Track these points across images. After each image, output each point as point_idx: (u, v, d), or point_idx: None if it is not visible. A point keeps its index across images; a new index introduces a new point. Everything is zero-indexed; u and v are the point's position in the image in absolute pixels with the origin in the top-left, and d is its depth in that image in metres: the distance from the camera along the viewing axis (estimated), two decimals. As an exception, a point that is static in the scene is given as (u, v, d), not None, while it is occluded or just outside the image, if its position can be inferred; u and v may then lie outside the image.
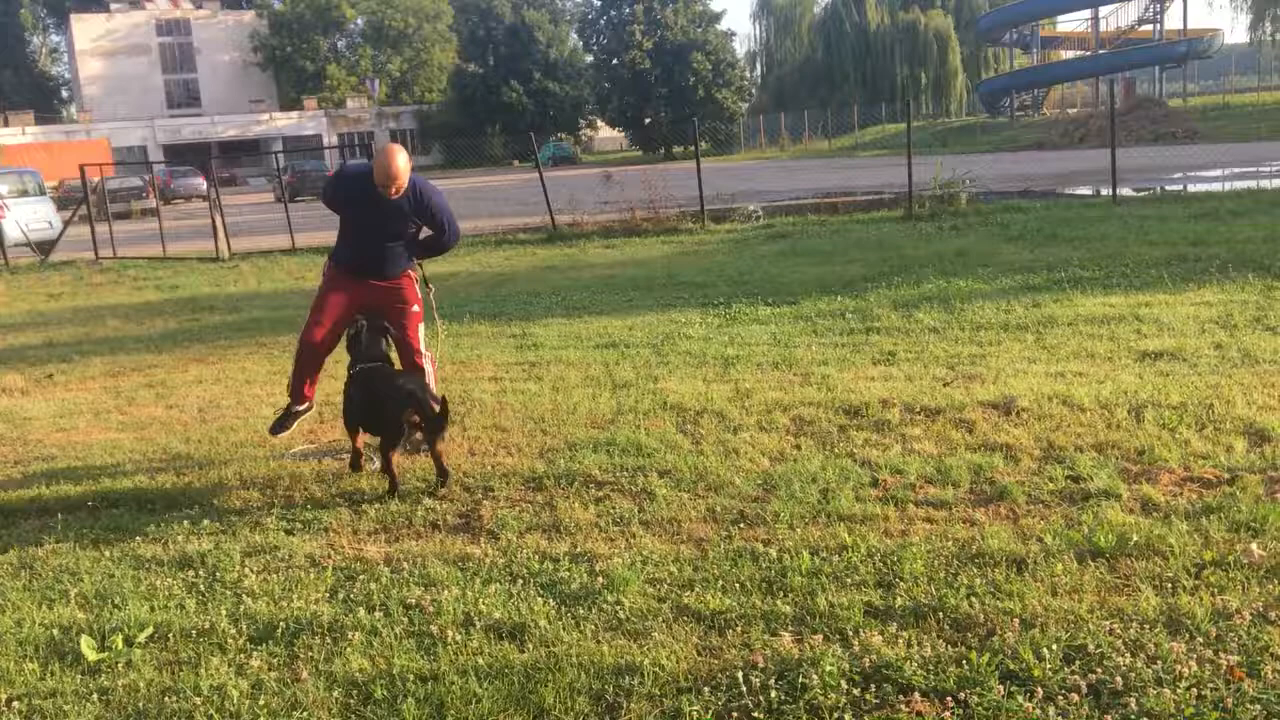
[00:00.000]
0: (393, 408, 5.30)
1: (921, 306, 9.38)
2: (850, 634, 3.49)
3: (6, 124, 68.28)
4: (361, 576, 4.26)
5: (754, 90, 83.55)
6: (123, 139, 71.57)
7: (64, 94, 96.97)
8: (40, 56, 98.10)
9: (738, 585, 3.94)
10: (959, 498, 4.73)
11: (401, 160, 5.50)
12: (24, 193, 23.83)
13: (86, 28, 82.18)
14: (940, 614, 3.59)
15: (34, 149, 59.17)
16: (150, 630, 3.84)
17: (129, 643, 3.76)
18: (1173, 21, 63.81)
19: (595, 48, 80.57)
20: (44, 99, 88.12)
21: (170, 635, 3.82)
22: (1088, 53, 65.99)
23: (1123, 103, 47.75)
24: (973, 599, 3.68)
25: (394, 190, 5.52)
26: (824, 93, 71.27)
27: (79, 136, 69.77)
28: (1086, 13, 65.18)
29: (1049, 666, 3.19)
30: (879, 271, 11.69)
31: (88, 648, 3.72)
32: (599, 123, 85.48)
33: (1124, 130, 35.72)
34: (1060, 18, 69.32)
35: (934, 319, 8.81)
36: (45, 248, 22.09)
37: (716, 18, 77.42)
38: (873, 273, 11.65)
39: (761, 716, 3.06)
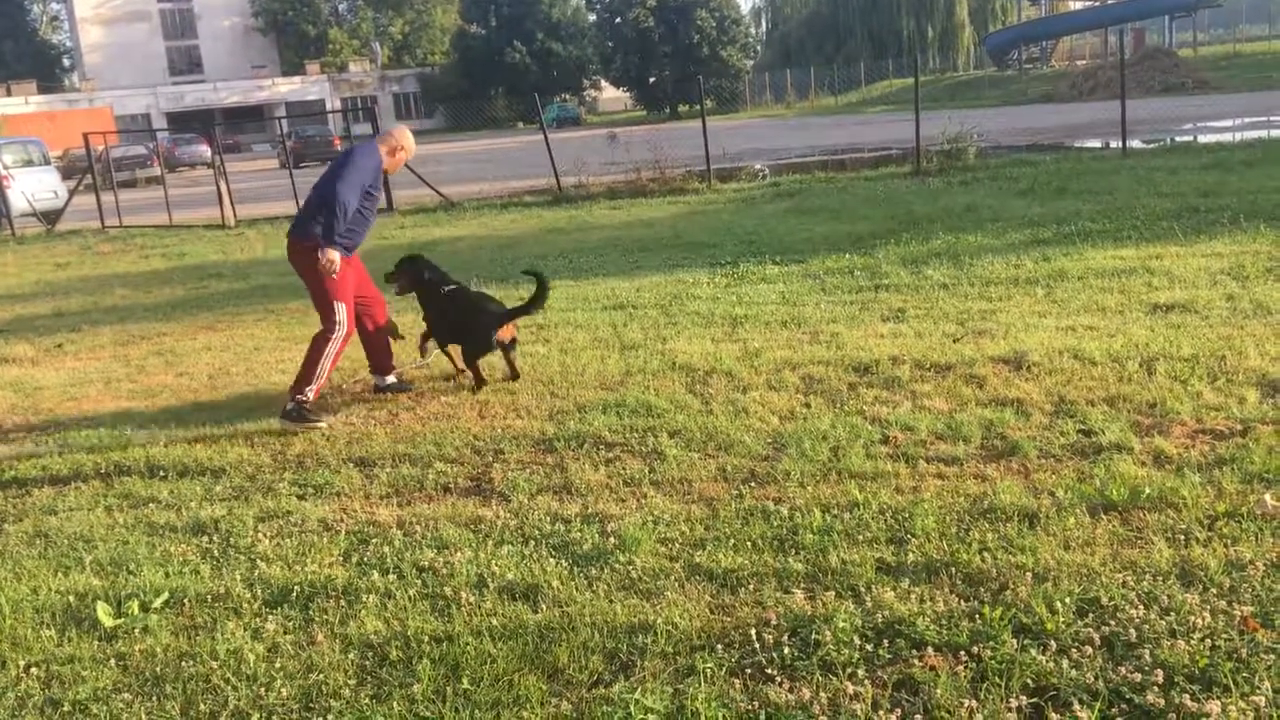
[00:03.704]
0: (487, 321, 6.34)
1: (930, 263, 9.34)
2: (862, 590, 3.50)
3: (9, 94, 68.04)
4: (374, 540, 4.28)
5: (759, 47, 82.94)
6: (126, 107, 71.36)
7: (66, 62, 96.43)
8: (41, 25, 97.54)
9: (749, 544, 3.95)
10: (970, 453, 4.72)
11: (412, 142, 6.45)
12: (29, 162, 23.79)
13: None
14: (952, 569, 3.59)
15: (37, 118, 59.02)
16: (166, 596, 3.86)
17: (145, 608, 3.78)
18: (1183, -30, 62.89)
19: (598, 6, 79.96)
20: (46, 68, 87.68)
21: (186, 600, 3.84)
22: (1096, 3, 65.22)
23: (1132, 54, 47.27)
24: (985, 554, 3.68)
25: (400, 164, 6.39)
26: (830, 48, 70.65)
27: (82, 105, 69.57)
28: (1095, -37, 64.39)
29: (1062, 620, 3.20)
30: (887, 228, 11.63)
31: (104, 614, 3.74)
32: (603, 83, 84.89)
33: (1134, 81, 35.39)
34: (1068, -32, 68.50)
35: (943, 275, 8.77)
36: (51, 217, 22.11)
37: (720, -26, 76.64)
38: (881, 230, 11.58)
39: (775, 673, 3.07)
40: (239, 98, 77.85)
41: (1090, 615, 3.24)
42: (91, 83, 76.04)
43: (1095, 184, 14.03)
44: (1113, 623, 3.18)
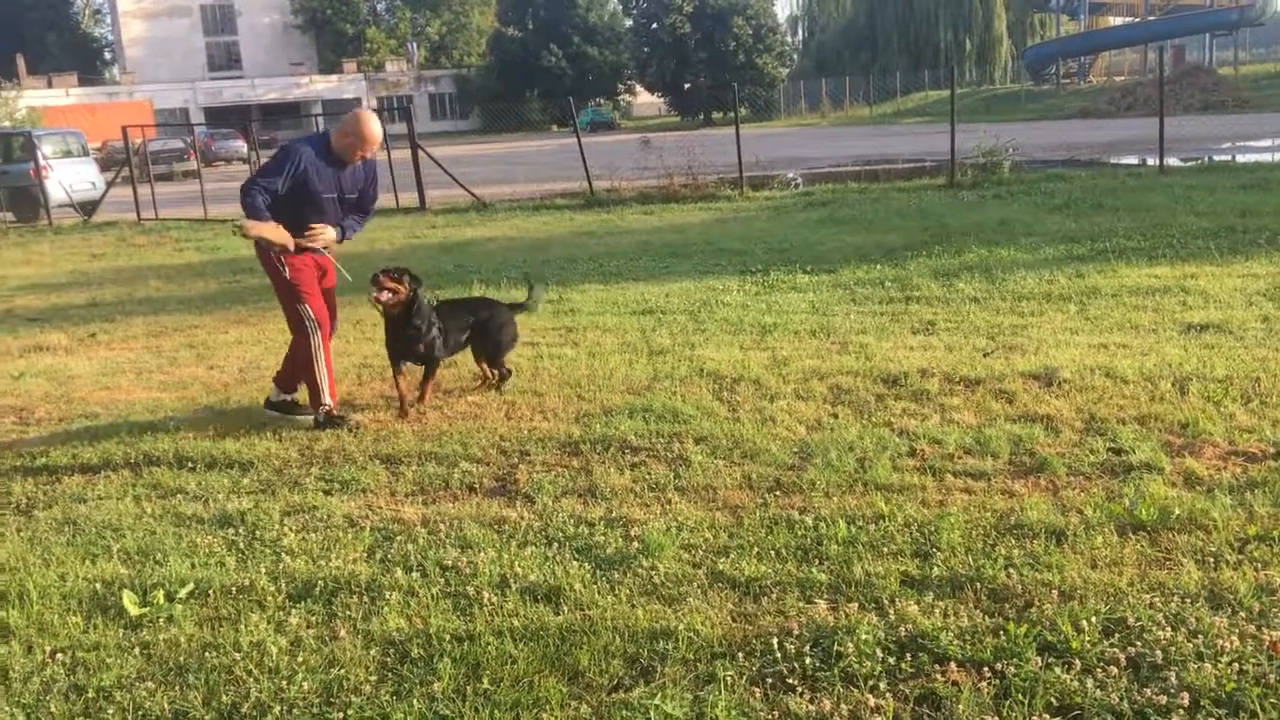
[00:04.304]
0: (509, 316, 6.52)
1: (962, 276, 9.29)
2: (886, 603, 3.48)
3: (50, 85, 68.78)
4: (399, 537, 4.29)
5: (795, 56, 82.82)
6: (164, 101, 72.00)
7: (107, 56, 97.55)
8: (84, 18, 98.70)
9: (773, 552, 3.93)
10: (998, 469, 4.69)
11: (380, 128, 5.87)
12: (68, 154, 24.06)
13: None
14: (978, 584, 3.57)
15: (77, 110, 59.64)
16: (191, 586, 3.89)
17: (170, 598, 3.80)
18: (1225, -13, 62.40)
19: (635, 11, 80.00)
20: (87, 61, 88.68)
21: (211, 592, 3.87)
22: (1137, 19, 64.73)
23: (1171, 70, 46.88)
24: (1011, 570, 3.65)
25: (364, 155, 5.87)
26: (866, 58, 70.42)
27: (121, 98, 70.24)
28: (1136, -22, 63.92)
29: (1088, 639, 3.16)
30: (919, 240, 11.58)
31: (130, 602, 3.77)
32: (638, 88, 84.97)
33: (1172, 99, 35.06)
34: (1109, -17, 68.04)
35: (975, 289, 8.72)
36: (88, 208, 22.36)
37: (758, -19, 76.60)
38: (913, 241, 11.54)
39: (796, 683, 3.06)
40: (276, 94, 78.42)
41: (1116, 635, 3.21)
42: (131, 76, 76.82)
43: (1131, 201, 13.92)
44: (1139, 643, 3.15)
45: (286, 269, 5.84)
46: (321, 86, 79.54)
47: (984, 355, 6.60)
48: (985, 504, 4.28)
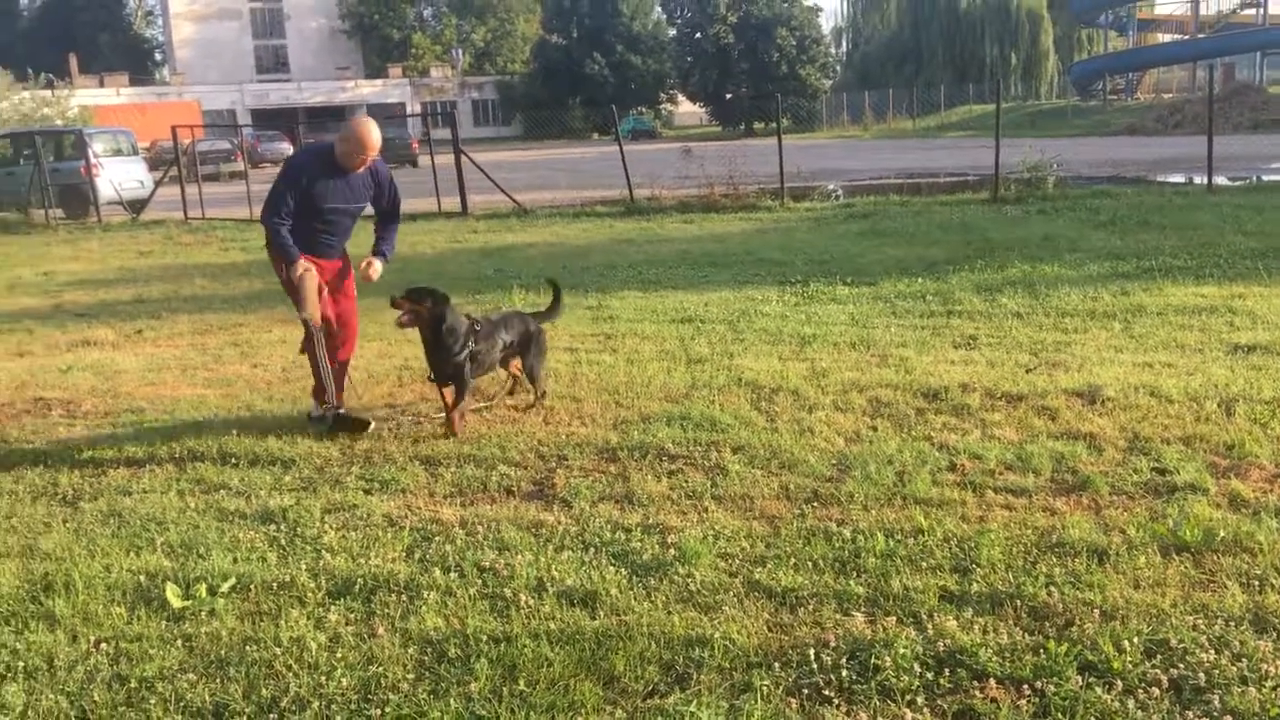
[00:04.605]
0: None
1: (1005, 291, 9.22)
2: (924, 617, 3.46)
3: (102, 85, 69.87)
4: (437, 538, 4.32)
5: (838, 67, 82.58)
6: (213, 102, 72.92)
7: (157, 57, 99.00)
8: (136, 19, 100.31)
9: (810, 564, 3.92)
10: (1039, 486, 4.65)
11: (378, 134, 5.77)
12: (118, 152, 24.43)
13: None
14: (1018, 602, 3.54)
15: (128, 110, 60.48)
16: (233, 581, 3.94)
17: (212, 592, 3.85)
18: (1277, 6, 61.67)
19: (679, 21, 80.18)
20: (138, 61, 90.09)
21: (252, 586, 3.91)
22: (1186, 36, 64.01)
23: (1221, 89, 46.29)
24: (1051, 588, 3.62)
25: (362, 162, 5.76)
26: (910, 71, 70.11)
27: (171, 98, 71.22)
28: (1186, -5, 63.22)
29: (1129, 659, 3.13)
30: (962, 254, 11.51)
31: (173, 595, 3.82)
32: (679, 97, 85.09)
33: (1221, 117, 34.65)
34: (1158, 0, 67.36)
35: (1018, 304, 8.65)
36: (137, 206, 22.69)
37: (803, -7, 76.58)
38: (955, 255, 11.47)
39: (832, 695, 3.05)
40: (322, 98, 79.22)
41: (1159, 657, 3.17)
42: (181, 77, 77.90)
43: (1178, 219, 13.76)
44: (1181, 665, 3.11)
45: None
46: (367, 91, 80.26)
47: (1026, 371, 6.55)
48: (1026, 521, 4.24)
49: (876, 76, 72.18)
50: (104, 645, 3.53)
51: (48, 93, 46.42)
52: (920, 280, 10.00)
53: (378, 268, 6.02)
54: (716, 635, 3.38)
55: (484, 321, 6.05)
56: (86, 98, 56.30)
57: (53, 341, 9.06)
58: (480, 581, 3.89)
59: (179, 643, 3.53)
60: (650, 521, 4.42)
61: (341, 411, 6.03)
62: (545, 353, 6.41)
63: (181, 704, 3.16)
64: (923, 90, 62.75)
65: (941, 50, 70.99)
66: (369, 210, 6.22)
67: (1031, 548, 3.98)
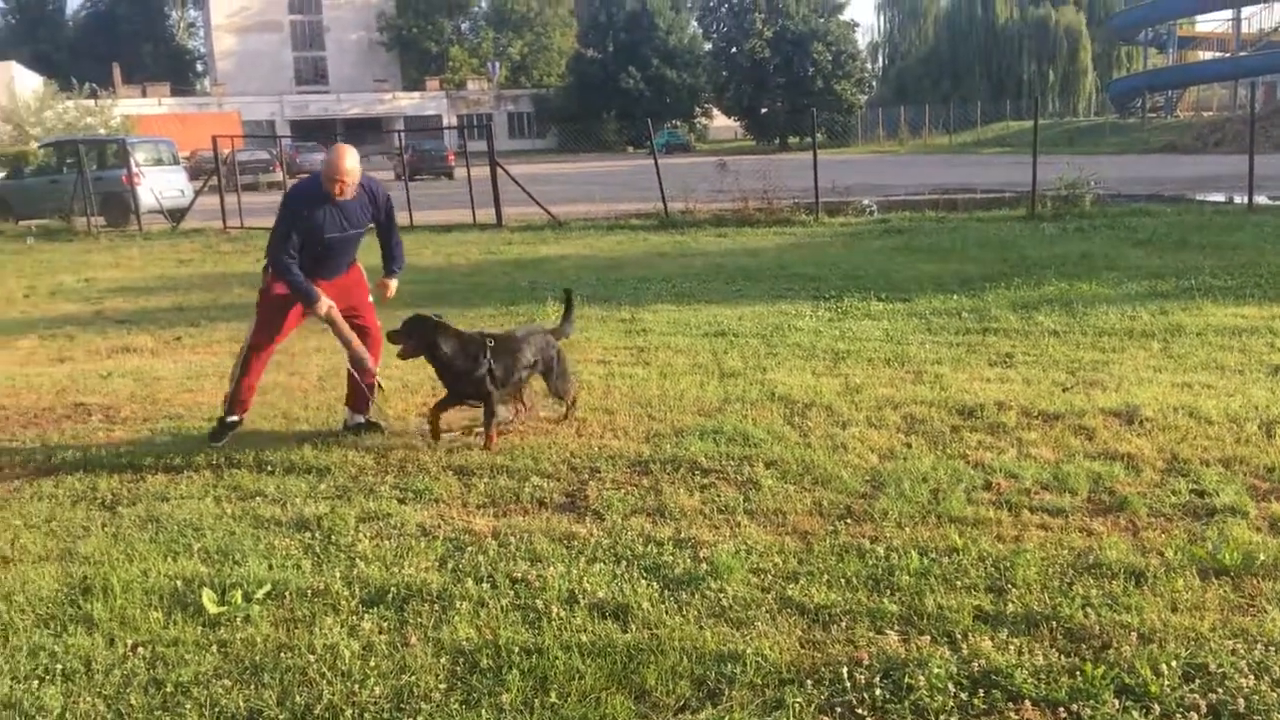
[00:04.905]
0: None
1: (1042, 309, 9.15)
2: (959, 637, 3.43)
3: (144, 95, 70.85)
4: (470, 548, 4.34)
5: (874, 82, 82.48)
6: (252, 113, 73.77)
7: (199, 68, 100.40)
8: (178, 31, 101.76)
9: (843, 580, 3.90)
10: (1076, 506, 4.60)
11: (350, 159, 5.79)
12: (159, 161, 24.76)
13: (223, 3, 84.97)
14: (1054, 623, 3.50)
15: (169, 120, 61.27)
16: (268, 587, 3.97)
17: (247, 598, 3.88)
18: (1321, 23, 60.91)
19: (715, 35, 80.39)
20: (180, 72, 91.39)
21: (287, 593, 3.94)
22: (1228, 54, 63.38)
23: (1262, 107, 45.81)
24: (1088, 610, 3.58)
25: (340, 188, 5.77)
26: (946, 87, 69.93)
27: (211, 109, 72.15)
28: (1228, 13, 62.58)
29: (1167, 683, 3.09)
30: (998, 271, 11.44)
31: (209, 601, 3.86)
32: (714, 111, 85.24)
33: (1262, 136, 34.29)
34: (1199, 17, 66.72)
35: (1055, 322, 8.59)
36: (177, 215, 22.96)
37: (839, 8, 76.69)
38: (991, 272, 11.40)
39: (865, 714, 3.03)
40: (360, 109, 79.99)
41: (1197, 681, 3.13)
42: (222, 88, 78.91)
43: (1218, 239, 13.61)
44: (1220, 690, 3.07)
45: (265, 294, 6.06)
46: (404, 103, 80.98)
47: (1063, 390, 6.50)
48: (1062, 541, 4.20)
49: (912, 92, 72.05)
50: (141, 649, 3.57)
51: (91, 102, 47.09)
52: (956, 297, 9.94)
53: (393, 287, 6.35)
54: (749, 651, 3.37)
55: (504, 337, 6.01)
56: (129, 107, 57.10)
57: (93, 347, 9.18)
58: (512, 592, 3.90)
59: (214, 648, 3.56)
60: (682, 535, 4.41)
61: (369, 420, 6.16)
62: (569, 369, 6.31)
63: (216, 709, 3.18)
64: (959, 106, 62.50)
65: (978, 66, 70.83)
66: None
67: (1068, 568, 3.95)
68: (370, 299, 6.32)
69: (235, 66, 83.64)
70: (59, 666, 3.46)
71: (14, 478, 5.54)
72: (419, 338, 5.72)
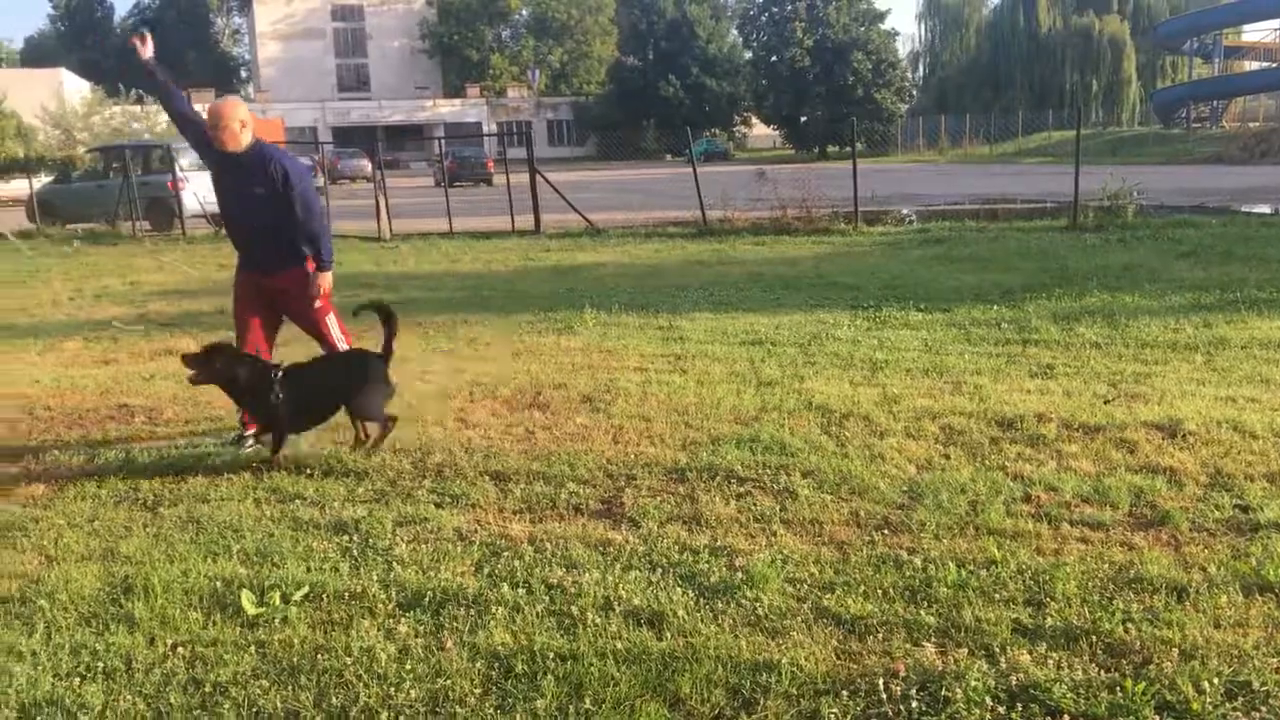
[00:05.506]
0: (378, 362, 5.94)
1: (1083, 320, 9.06)
2: (997, 650, 3.40)
3: (189, 101, 71.78)
4: (506, 553, 4.35)
5: (914, 91, 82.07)
6: (295, 119, 74.50)
7: (243, 74, 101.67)
8: (223, 38, 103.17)
9: (880, 591, 3.88)
10: (1117, 520, 4.55)
11: (231, 107, 5.87)
12: (203, 167, 25.01)
13: (267, 11, 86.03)
14: (1093, 637, 3.46)
15: (213, 126, 61.99)
16: (306, 589, 4.00)
17: (285, 600, 3.92)
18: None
19: (755, 44, 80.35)
20: (224, 78, 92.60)
21: (324, 595, 3.97)
22: (1274, 64, 62.52)
23: (1311, 117, 45.13)
24: (1129, 625, 3.54)
25: (222, 134, 5.77)
26: (988, 96, 69.52)
27: (255, 115, 72.91)
28: (1275, 22, 61.78)
29: (1209, 701, 3.05)
30: (1039, 282, 11.33)
31: (247, 602, 3.90)
32: (753, 119, 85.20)
33: (1311, 146, 33.77)
34: (1245, 27, 65.88)
35: (1096, 334, 8.50)
36: (220, 220, 23.20)
37: (880, 17, 76.33)
38: (1032, 283, 11.30)
39: (901, 726, 3.01)
40: (402, 116, 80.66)
41: (1240, 699, 3.09)
42: (265, 95, 79.82)
43: (1264, 250, 13.41)
44: (1264, 709, 3.02)
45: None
46: (444, 110, 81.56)
47: (1105, 402, 6.43)
48: (1103, 555, 4.16)
49: (953, 101, 71.68)
50: (180, 649, 3.61)
51: (137, 108, 47.78)
52: (996, 307, 9.86)
53: (321, 280, 6.28)
54: (784, 661, 3.36)
55: (296, 365, 5.87)
56: (174, 113, 57.77)
57: (137, 350, 9.30)
58: (548, 598, 3.91)
59: (253, 649, 3.59)
60: (718, 543, 4.40)
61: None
62: (382, 394, 5.87)
63: (254, 709, 3.21)
64: (1000, 116, 62.07)
65: (1021, 75, 70.35)
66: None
67: (1108, 583, 3.90)
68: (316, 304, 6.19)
69: (279, 73, 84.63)
70: (100, 664, 3.51)
71: (58, 477, 5.62)
72: (213, 366, 5.64)
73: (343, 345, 6.35)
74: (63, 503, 5.21)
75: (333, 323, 6.35)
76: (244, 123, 5.89)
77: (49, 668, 3.50)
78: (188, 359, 5.69)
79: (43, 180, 25.68)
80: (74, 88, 52.15)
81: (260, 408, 5.73)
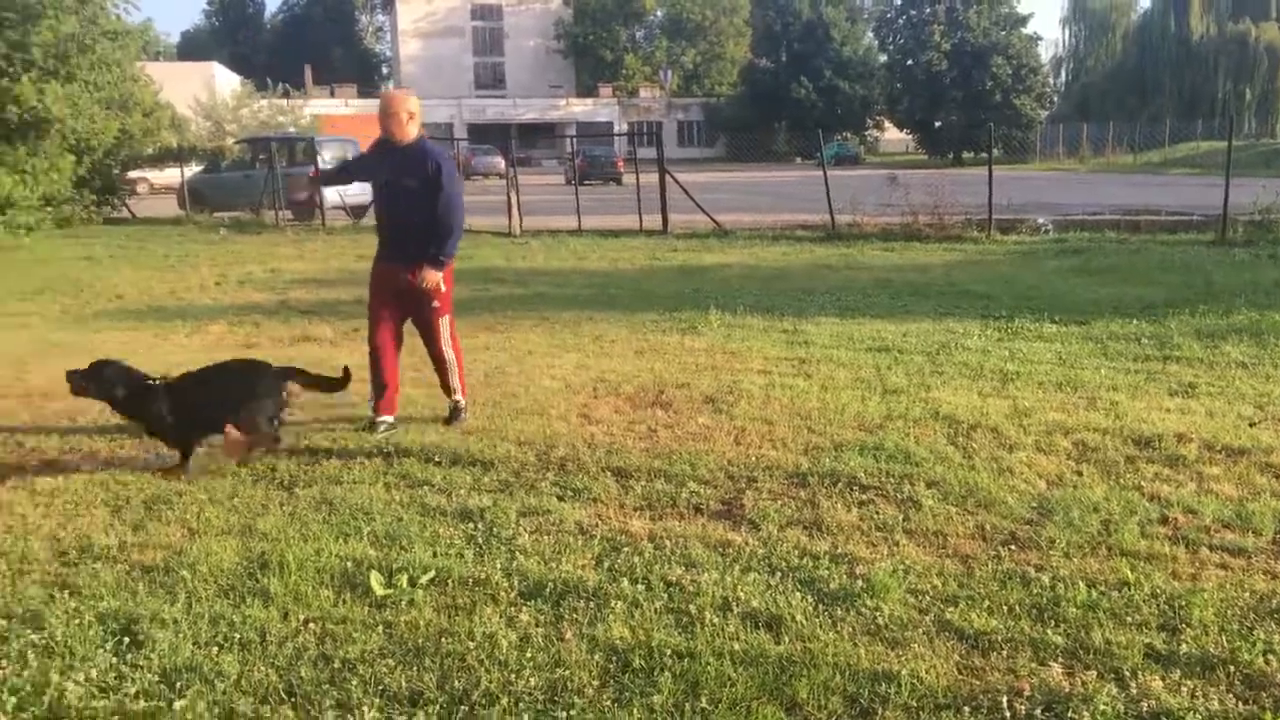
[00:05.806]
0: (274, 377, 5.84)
1: (1229, 338, 8.68)
2: (1127, 675, 3.29)
3: (332, 95, 74.10)
4: (626, 549, 4.39)
5: (1055, 97, 79.75)
6: (432, 115, 75.98)
7: (384, 70, 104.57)
8: (367, 35, 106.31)
9: (1005, 607, 3.80)
10: (1260, 547, 4.35)
11: (402, 97, 6.12)
12: (344, 159, 25.81)
13: (409, 9, 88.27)
14: (1231, 667, 3.33)
15: (355, 120, 63.87)
16: (432, 574, 4.11)
17: (412, 583, 4.03)
18: None
19: (890, 47, 79.14)
20: (367, 74, 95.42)
21: (449, 581, 4.07)
22: None
23: None
24: (1270, 656, 3.39)
25: (390, 122, 6.03)
26: (1133, 104, 67.02)
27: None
28: None
29: (1356, 742, 2.91)
30: (1182, 297, 10.91)
31: (376, 583, 4.02)
32: (886, 123, 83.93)
33: None
34: None
35: (1243, 353, 8.14)
36: (359, 212, 23.88)
37: (1023, 20, 74.31)
38: (1174, 298, 10.88)
39: (1023, 745, 2.94)
40: (535, 115, 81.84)
41: (1391, 743, 2.93)
42: (405, 90, 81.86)
43: None
44: None
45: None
46: (577, 109, 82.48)
47: (1250, 425, 6.16)
48: (1244, 583, 3.99)
49: (1096, 108, 69.31)
50: (312, 625, 3.74)
51: (284, 102, 49.48)
52: (1135, 322, 9.53)
53: (430, 277, 6.38)
54: (904, 672, 3.32)
55: (176, 381, 5.77)
56: (318, 107, 59.82)
57: (277, 335, 9.65)
58: (666, 596, 3.93)
59: (380, 629, 3.71)
60: (839, 550, 4.37)
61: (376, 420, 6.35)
62: (268, 413, 5.71)
63: (380, 687, 3.31)
64: (1146, 124, 59.83)
65: (1169, 83, 67.69)
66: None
67: (1248, 611, 3.74)
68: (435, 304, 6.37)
69: (419, 70, 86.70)
70: (237, 635, 3.67)
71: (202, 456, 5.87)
72: (96, 382, 5.59)
73: (449, 351, 6.52)
74: (205, 479, 5.44)
75: (445, 325, 6.50)
76: (412, 114, 6.14)
77: (189, 636, 3.67)
78: (70, 375, 5.64)
79: (193, 169, 26.79)
80: (225, 81, 54.30)
81: (148, 423, 5.65)
